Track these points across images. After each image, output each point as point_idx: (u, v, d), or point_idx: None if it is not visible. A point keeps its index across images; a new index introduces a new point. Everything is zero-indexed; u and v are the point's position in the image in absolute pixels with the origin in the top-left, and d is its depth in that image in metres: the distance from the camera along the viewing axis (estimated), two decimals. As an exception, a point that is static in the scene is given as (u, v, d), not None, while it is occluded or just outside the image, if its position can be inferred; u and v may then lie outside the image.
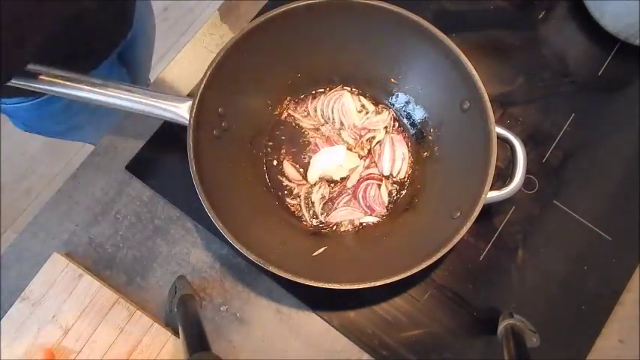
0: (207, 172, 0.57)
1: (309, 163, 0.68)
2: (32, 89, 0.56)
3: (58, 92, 0.57)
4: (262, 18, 0.60)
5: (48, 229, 0.66)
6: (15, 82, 0.55)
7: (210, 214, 0.55)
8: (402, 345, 0.62)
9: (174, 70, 0.72)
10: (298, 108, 0.70)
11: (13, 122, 0.84)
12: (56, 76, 0.56)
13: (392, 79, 0.69)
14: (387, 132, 0.69)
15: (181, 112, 0.58)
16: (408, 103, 0.69)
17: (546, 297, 0.64)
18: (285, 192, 0.67)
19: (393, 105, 0.70)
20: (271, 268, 0.54)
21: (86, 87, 0.56)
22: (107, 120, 0.74)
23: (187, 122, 0.57)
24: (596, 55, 0.74)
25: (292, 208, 0.67)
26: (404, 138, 0.69)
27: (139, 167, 0.68)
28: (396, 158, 0.68)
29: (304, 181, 0.67)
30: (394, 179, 0.68)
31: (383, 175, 0.68)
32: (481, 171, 0.57)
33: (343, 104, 0.70)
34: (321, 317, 0.63)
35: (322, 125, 0.70)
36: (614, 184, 0.68)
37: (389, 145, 0.68)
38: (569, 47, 0.75)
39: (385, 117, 0.70)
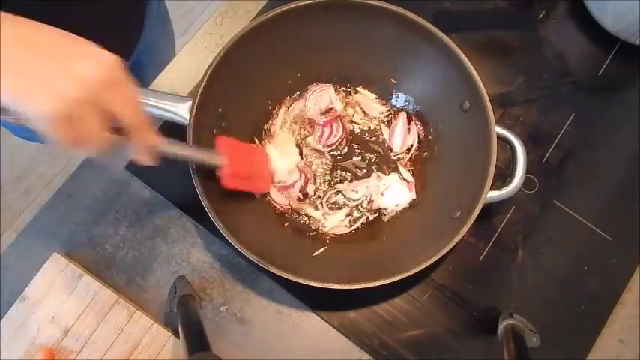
0: (207, 172, 0.57)
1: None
2: None
3: None
4: (262, 18, 0.60)
5: (48, 229, 0.66)
6: None
7: (210, 214, 0.55)
8: (402, 345, 0.62)
9: (174, 70, 0.72)
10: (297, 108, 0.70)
11: (15, 134, 0.83)
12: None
13: (392, 79, 0.69)
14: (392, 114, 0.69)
15: (181, 112, 0.58)
16: (408, 103, 0.69)
17: (546, 297, 0.64)
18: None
19: (394, 106, 0.70)
20: (271, 268, 0.54)
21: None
22: None
23: (187, 122, 0.57)
24: (596, 55, 0.74)
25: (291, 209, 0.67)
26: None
27: (138, 167, 0.67)
28: (407, 140, 0.68)
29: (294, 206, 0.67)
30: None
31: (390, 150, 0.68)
32: (481, 171, 0.57)
33: (322, 97, 0.69)
34: (321, 317, 0.63)
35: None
36: (614, 184, 0.68)
37: (402, 122, 0.68)
38: (569, 47, 0.75)
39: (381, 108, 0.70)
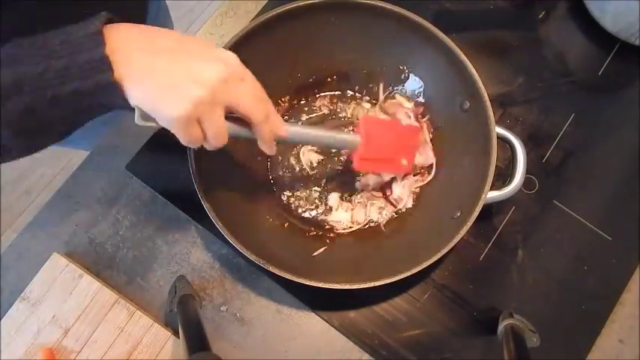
0: (207, 172, 0.57)
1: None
2: None
3: None
4: (262, 18, 0.60)
5: (48, 229, 0.66)
6: None
7: (210, 214, 0.55)
8: (402, 345, 0.62)
9: (174, 70, 0.72)
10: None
11: None
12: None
13: (392, 79, 0.69)
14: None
15: (181, 112, 0.58)
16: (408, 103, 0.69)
17: (546, 297, 0.64)
18: (286, 191, 0.67)
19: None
20: (271, 268, 0.54)
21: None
22: (98, 131, 0.72)
23: (187, 122, 0.57)
24: (596, 55, 0.74)
25: (292, 207, 0.67)
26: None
27: (139, 167, 0.68)
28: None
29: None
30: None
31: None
32: (481, 171, 0.57)
33: None
34: (321, 317, 0.63)
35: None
36: (614, 184, 0.68)
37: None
38: (569, 47, 0.75)
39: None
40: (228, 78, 0.39)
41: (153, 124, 0.41)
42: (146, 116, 0.40)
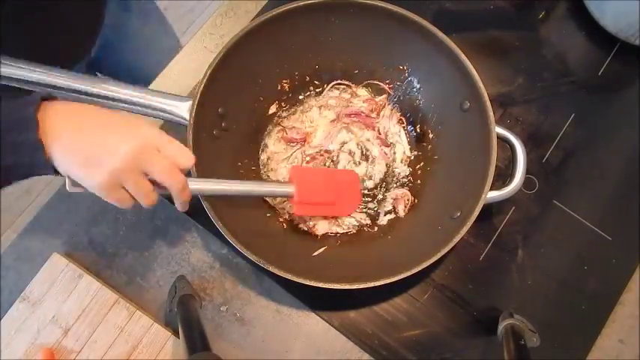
0: (207, 172, 0.57)
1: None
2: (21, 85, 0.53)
3: (56, 84, 0.54)
4: (262, 18, 0.60)
5: (48, 229, 0.66)
6: None
7: (210, 214, 0.55)
8: (402, 345, 0.62)
9: (174, 70, 0.72)
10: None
11: None
12: (52, 74, 0.53)
13: (392, 79, 0.69)
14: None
15: (181, 112, 0.58)
16: (408, 102, 0.69)
17: (546, 297, 0.64)
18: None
19: (394, 105, 0.70)
20: (271, 268, 0.54)
21: (84, 86, 0.55)
22: None
23: (187, 122, 0.57)
24: (596, 55, 0.74)
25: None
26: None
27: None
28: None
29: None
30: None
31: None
32: (481, 171, 0.57)
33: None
34: (321, 317, 0.63)
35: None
36: (614, 184, 0.68)
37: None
38: (569, 47, 0.75)
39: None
40: (141, 149, 0.45)
41: (82, 190, 0.46)
42: (76, 183, 0.46)
